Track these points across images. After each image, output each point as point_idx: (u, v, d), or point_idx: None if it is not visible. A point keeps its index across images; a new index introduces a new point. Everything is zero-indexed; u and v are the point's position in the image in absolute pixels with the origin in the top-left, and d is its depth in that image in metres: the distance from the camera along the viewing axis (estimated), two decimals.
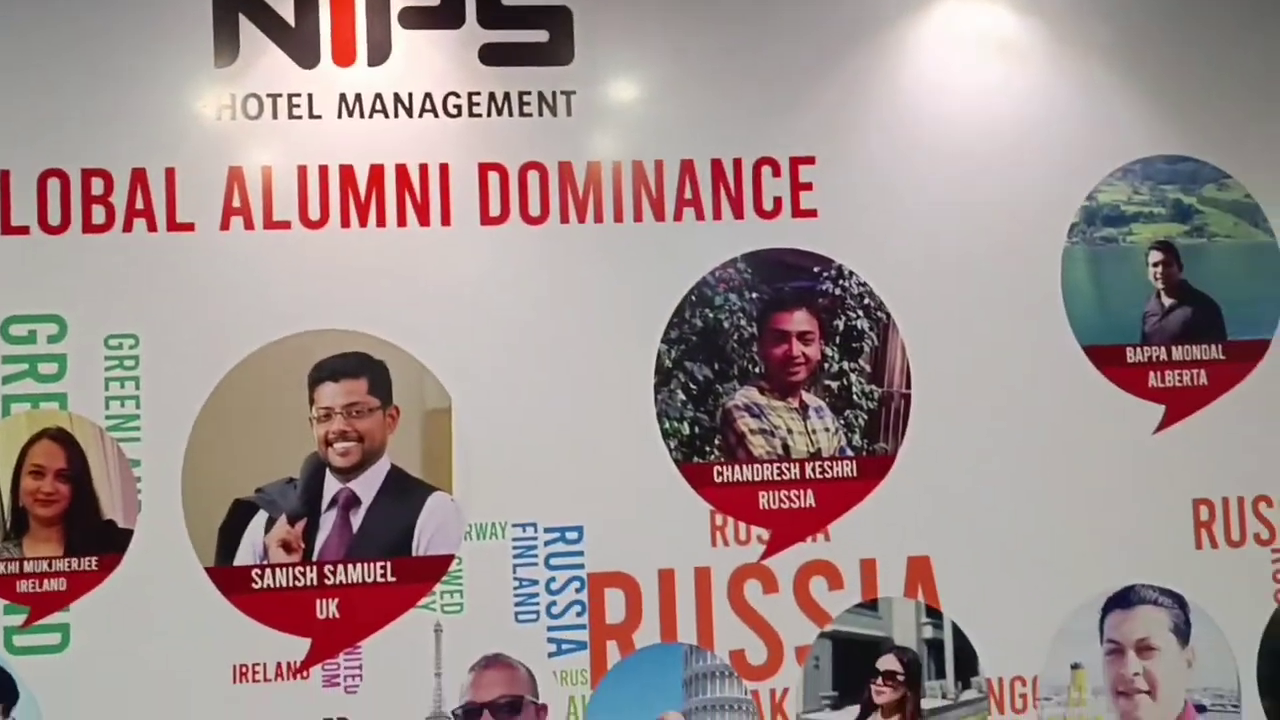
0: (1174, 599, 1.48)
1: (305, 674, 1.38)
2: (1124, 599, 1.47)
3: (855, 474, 1.46)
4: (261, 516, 1.39)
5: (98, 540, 1.37)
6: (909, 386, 1.47)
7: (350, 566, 1.40)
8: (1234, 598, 1.49)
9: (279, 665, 1.38)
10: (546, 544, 1.42)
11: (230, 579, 1.38)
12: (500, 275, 1.44)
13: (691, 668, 1.43)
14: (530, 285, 1.44)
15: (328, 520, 1.40)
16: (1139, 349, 1.50)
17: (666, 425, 1.44)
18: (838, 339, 1.47)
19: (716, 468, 1.45)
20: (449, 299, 1.43)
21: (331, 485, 1.40)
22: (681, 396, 1.45)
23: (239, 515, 1.39)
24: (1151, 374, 1.50)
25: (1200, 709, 1.47)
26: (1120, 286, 1.51)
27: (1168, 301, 1.51)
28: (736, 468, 1.45)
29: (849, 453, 1.46)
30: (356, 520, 1.41)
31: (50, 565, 1.36)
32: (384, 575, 1.40)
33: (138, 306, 1.39)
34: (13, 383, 1.37)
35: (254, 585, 1.38)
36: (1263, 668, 1.48)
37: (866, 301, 1.47)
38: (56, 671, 1.35)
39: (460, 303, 1.43)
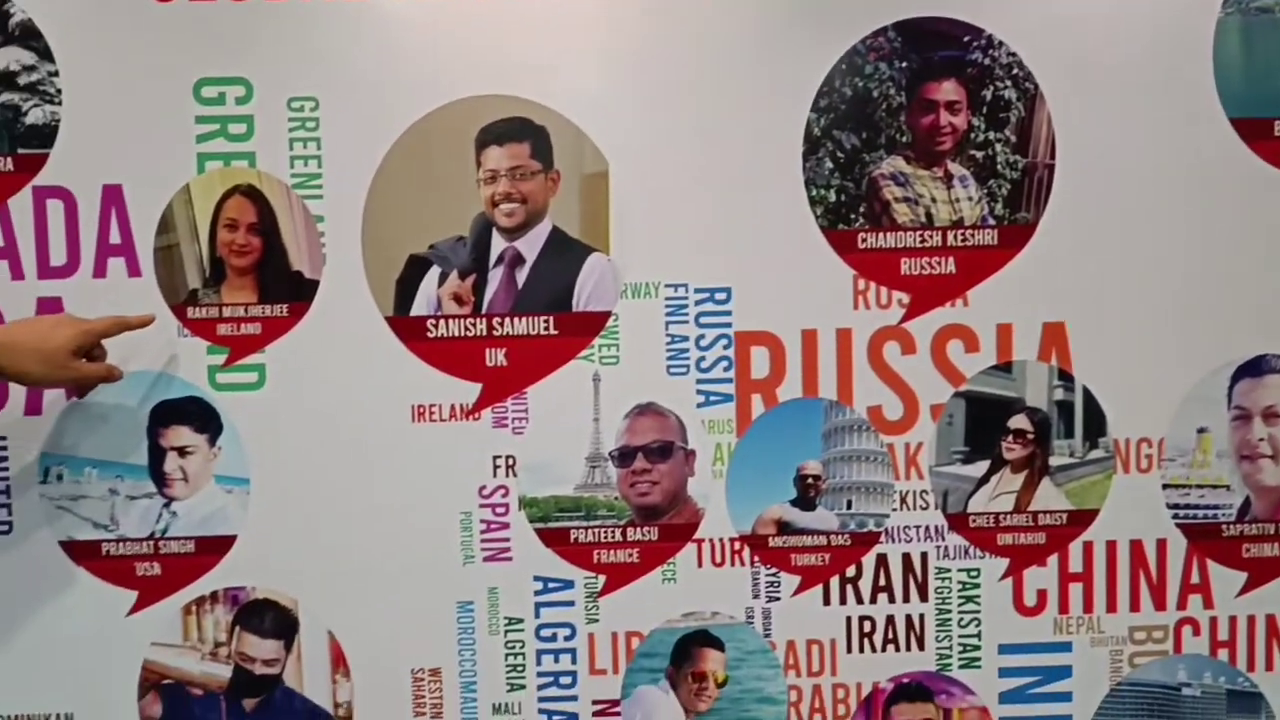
0: None
1: (476, 416, 1.51)
2: (1254, 368, 1.52)
3: (996, 242, 1.50)
4: (435, 271, 1.50)
5: (288, 289, 1.49)
6: (1053, 157, 1.50)
7: (516, 319, 1.50)
8: None
9: (452, 407, 1.51)
10: (697, 303, 1.51)
11: (407, 328, 1.50)
12: (655, 43, 1.48)
13: (831, 421, 1.52)
14: (685, 53, 1.48)
15: (495, 276, 1.50)
16: None
17: (814, 192, 1.50)
18: (984, 109, 1.49)
19: (860, 234, 1.50)
20: (607, 66, 1.49)
21: (498, 244, 1.50)
22: (829, 164, 1.49)
23: (414, 269, 1.49)
24: None
25: None
26: (1273, 60, 1.50)
27: None
28: (880, 234, 1.51)
29: (991, 221, 1.50)
30: (521, 277, 1.51)
31: (246, 311, 1.49)
32: (547, 328, 1.51)
33: (317, 70, 1.47)
34: (205, 141, 1.47)
35: (429, 334, 1.50)
36: None
37: (1015, 72, 1.49)
38: (254, 406, 1.50)
39: (618, 70, 1.48)
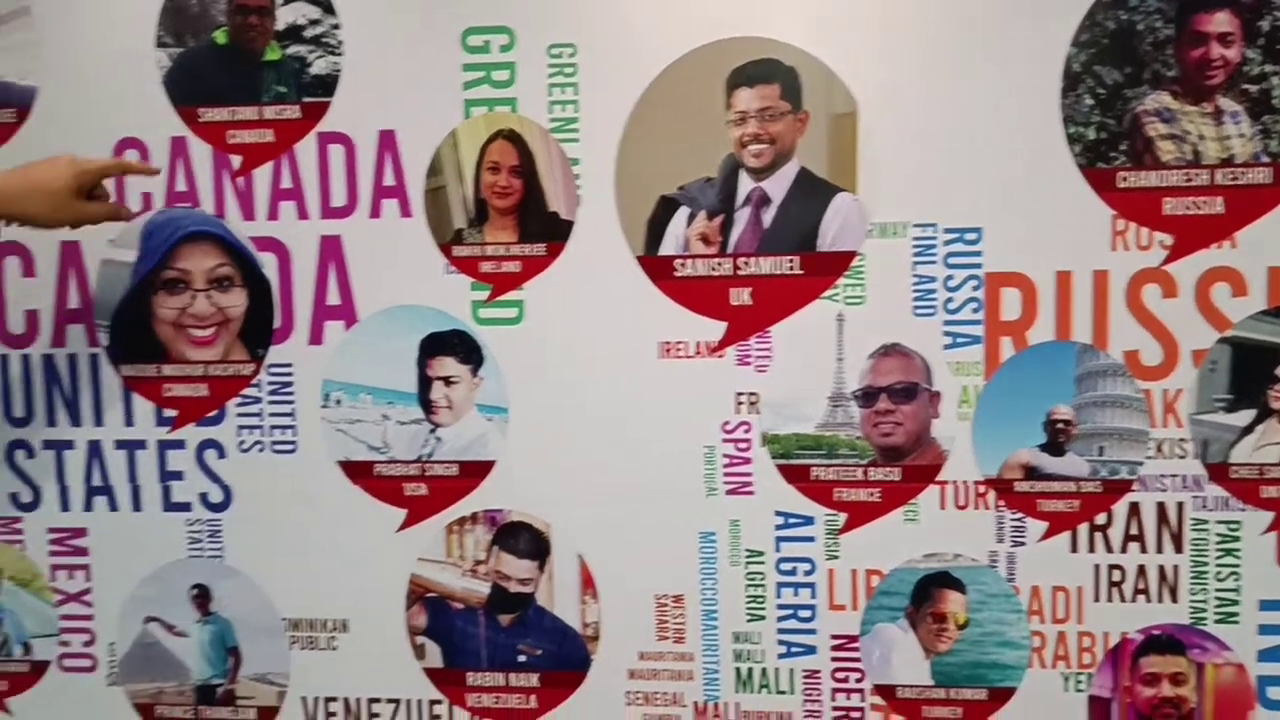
0: None
1: (721, 353, 1.55)
2: None
3: (1270, 180, 1.43)
4: (683, 212, 1.54)
5: (545, 229, 1.56)
6: None
7: (761, 259, 1.53)
8: None
9: (698, 344, 1.55)
10: (946, 243, 1.49)
11: (657, 266, 1.55)
12: None
13: (1084, 365, 1.48)
14: None
15: (742, 216, 1.53)
16: None
17: (1072, 130, 1.45)
18: (1261, 40, 1.41)
19: (1121, 173, 1.45)
20: (856, 4, 1.48)
21: (745, 184, 1.53)
22: (1089, 101, 1.45)
23: (664, 210, 1.54)
24: None
25: None
26: None
27: None
28: (1142, 173, 1.45)
29: (1264, 159, 1.43)
30: (767, 217, 1.53)
31: (507, 250, 1.58)
32: (792, 268, 1.53)
33: (576, 18, 1.52)
34: (471, 89, 1.56)
35: (676, 273, 1.55)
36: None
37: None
38: (513, 340, 1.58)
39: (867, 8, 1.48)
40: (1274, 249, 1.44)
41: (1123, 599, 1.51)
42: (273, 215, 1.61)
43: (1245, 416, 1.46)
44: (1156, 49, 1.44)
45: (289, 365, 1.63)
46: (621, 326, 1.56)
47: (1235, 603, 1.49)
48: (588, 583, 1.61)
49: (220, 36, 1.59)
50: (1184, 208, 1.45)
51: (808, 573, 1.57)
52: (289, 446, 1.64)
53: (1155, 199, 1.46)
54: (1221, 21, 1.42)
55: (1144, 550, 1.50)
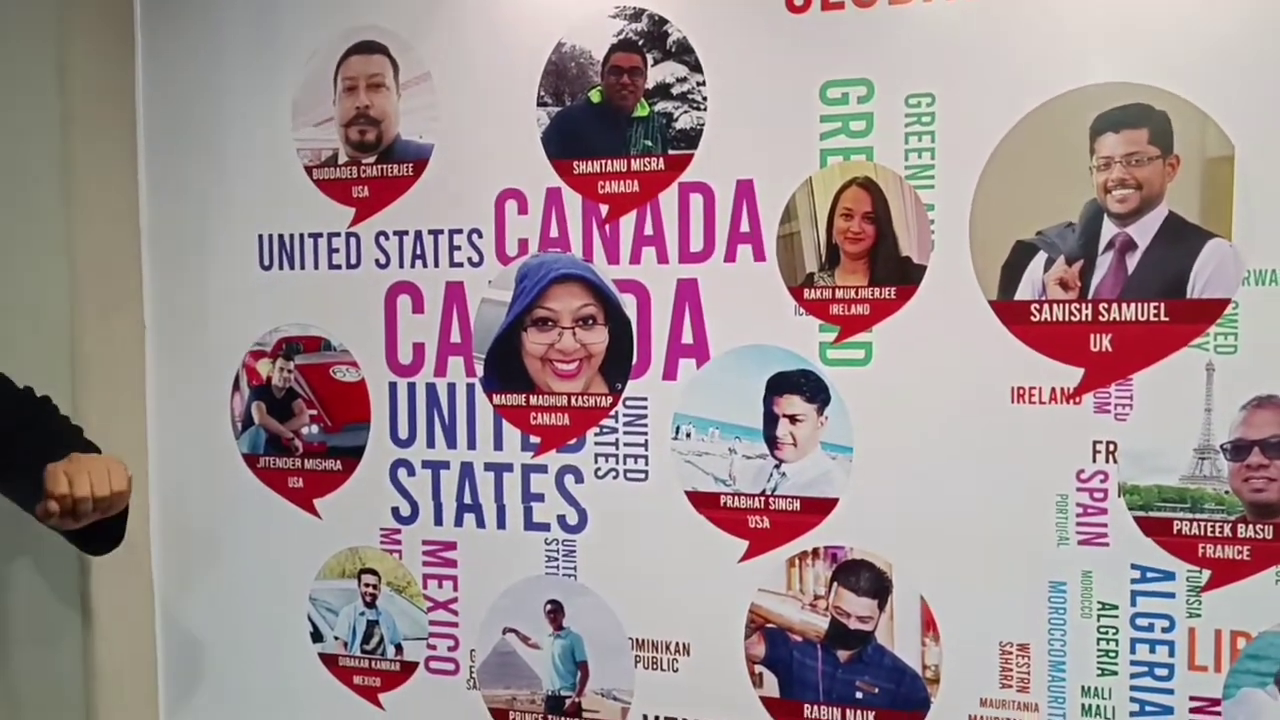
0: None
1: (1078, 400, 1.53)
2: None
3: None
4: (1041, 256, 1.53)
5: (896, 273, 1.60)
6: None
7: (1124, 305, 1.50)
8: None
9: (1053, 390, 1.54)
10: None
11: (1011, 311, 1.55)
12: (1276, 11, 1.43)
13: None
14: None
15: (1104, 262, 1.51)
16: None
17: None
18: None
19: None
20: (1231, 47, 1.44)
21: (1109, 229, 1.51)
22: None
23: (1020, 255, 1.54)
24: None
25: None
26: None
27: None
28: None
29: None
30: (1132, 263, 1.50)
31: (856, 293, 1.62)
32: (1157, 315, 1.49)
33: (934, 68, 1.56)
34: (828, 139, 1.62)
35: (1032, 318, 1.54)
36: None
37: None
38: (860, 381, 1.62)
39: (1242, 51, 1.43)
40: None
41: None
42: (635, 260, 1.72)
43: None
44: None
45: (644, 399, 1.74)
46: (972, 370, 1.57)
47: None
48: (929, 624, 1.61)
49: (595, 95, 1.73)
50: None
51: (1166, 629, 1.51)
52: (641, 475, 1.75)
53: None
54: None
55: None
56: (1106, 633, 1.54)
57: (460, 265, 1.82)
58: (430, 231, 1.83)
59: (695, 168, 1.68)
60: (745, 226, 1.67)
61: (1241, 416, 1.46)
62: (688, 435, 1.72)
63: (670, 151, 1.69)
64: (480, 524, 1.85)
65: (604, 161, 1.73)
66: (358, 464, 1.91)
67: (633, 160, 1.71)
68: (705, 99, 1.67)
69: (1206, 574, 1.49)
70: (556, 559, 1.80)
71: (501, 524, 1.83)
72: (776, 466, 1.68)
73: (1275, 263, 1.44)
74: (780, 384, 1.67)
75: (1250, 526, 1.47)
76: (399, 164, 1.85)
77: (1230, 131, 1.44)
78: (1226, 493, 1.47)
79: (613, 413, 1.75)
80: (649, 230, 1.72)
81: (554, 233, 1.76)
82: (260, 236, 1.94)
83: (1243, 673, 1.48)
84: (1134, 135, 1.48)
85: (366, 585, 1.93)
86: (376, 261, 1.87)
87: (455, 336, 1.83)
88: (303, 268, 1.92)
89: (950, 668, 1.61)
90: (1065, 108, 1.50)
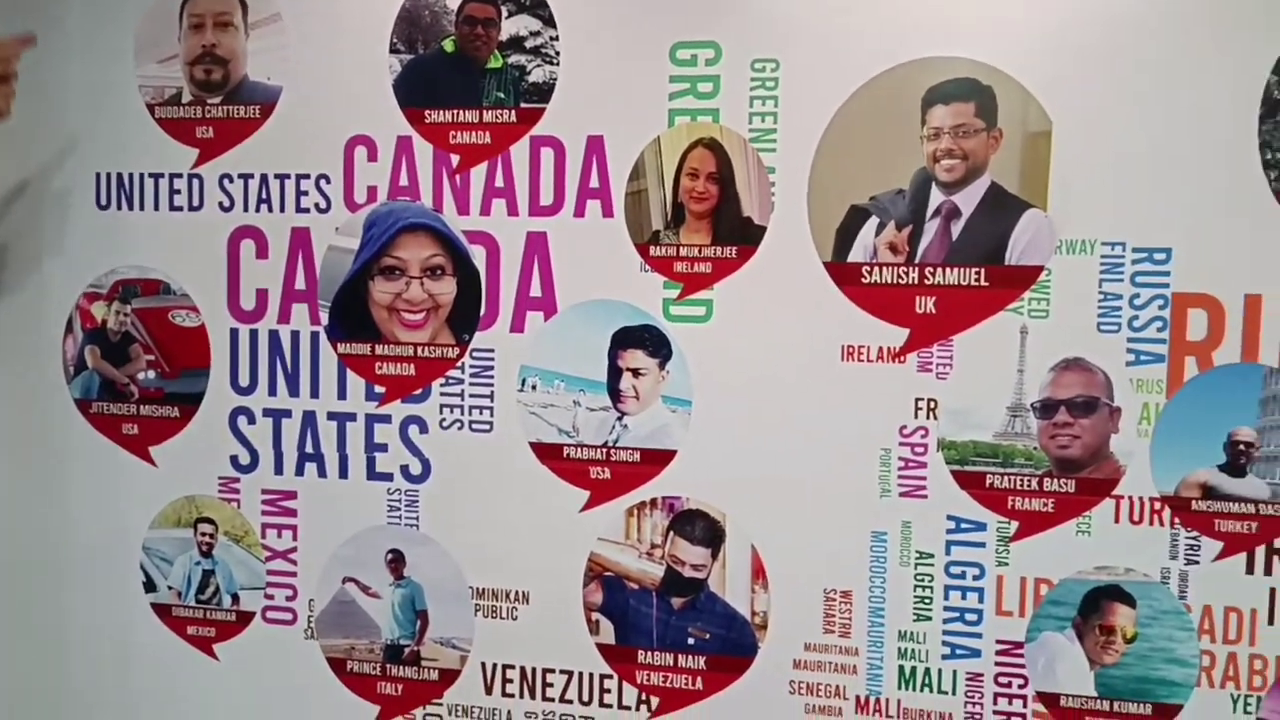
0: None
1: (903, 359, 1.61)
2: None
3: None
4: (873, 221, 1.60)
5: (738, 233, 1.65)
6: None
7: (948, 270, 1.59)
8: None
9: (880, 349, 1.61)
10: (1134, 262, 1.53)
11: (844, 273, 1.61)
12: (1104, 4, 1.51)
13: (1270, 388, 1.49)
14: (1135, 15, 1.50)
15: (930, 228, 1.59)
16: None
17: (1268, 156, 1.47)
18: None
19: None
20: (1055, 26, 1.52)
21: (936, 197, 1.58)
22: None
23: (854, 219, 1.61)
24: None
25: None
26: None
27: None
28: None
29: None
30: (956, 230, 1.58)
31: (700, 251, 1.67)
32: (978, 280, 1.58)
33: (780, 35, 1.61)
34: (677, 99, 1.65)
35: (863, 280, 1.61)
36: None
37: None
38: (701, 337, 1.67)
39: (1065, 30, 1.52)
40: None
41: None
42: (485, 211, 1.73)
43: None
44: None
45: (491, 351, 1.75)
46: (806, 329, 1.63)
47: None
48: (759, 572, 1.68)
49: (449, 45, 1.73)
50: None
51: (976, 577, 1.61)
52: (486, 426, 1.76)
53: None
54: None
55: None
56: (923, 580, 1.62)
57: (307, 211, 1.79)
58: (276, 176, 1.80)
59: (547, 122, 1.70)
60: (595, 182, 1.70)
61: (1050, 377, 1.56)
62: (533, 387, 1.74)
63: (522, 105, 1.71)
64: (322, 473, 1.83)
65: (456, 111, 1.73)
66: (196, 411, 1.87)
67: (485, 112, 1.72)
68: (558, 54, 1.69)
69: (1015, 525, 1.59)
70: (399, 509, 1.81)
71: (344, 474, 1.82)
72: (619, 419, 1.72)
73: (1086, 233, 1.54)
74: (625, 338, 1.71)
75: (1055, 481, 1.57)
76: (245, 105, 1.81)
77: (1049, 109, 1.53)
78: (1035, 449, 1.57)
79: (459, 364, 1.76)
80: (500, 182, 1.73)
81: (404, 181, 1.76)
82: (98, 175, 1.87)
83: (1044, 617, 1.59)
84: (962, 108, 1.56)
85: (203, 534, 1.90)
86: (220, 204, 1.83)
87: (300, 283, 1.81)
88: (142, 209, 1.86)
89: (778, 614, 1.67)
90: (900, 79, 1.57)
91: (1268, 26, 1.47)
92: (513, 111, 1.71)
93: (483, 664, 1.80)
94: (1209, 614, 1.54)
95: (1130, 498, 1.55)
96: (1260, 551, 1.51)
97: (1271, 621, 1.52)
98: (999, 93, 1.54)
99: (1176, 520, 1.53)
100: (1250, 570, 1.52)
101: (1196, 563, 1.53)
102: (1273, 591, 1.51)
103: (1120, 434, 1.54)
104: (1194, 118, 1.50)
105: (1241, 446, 1.51)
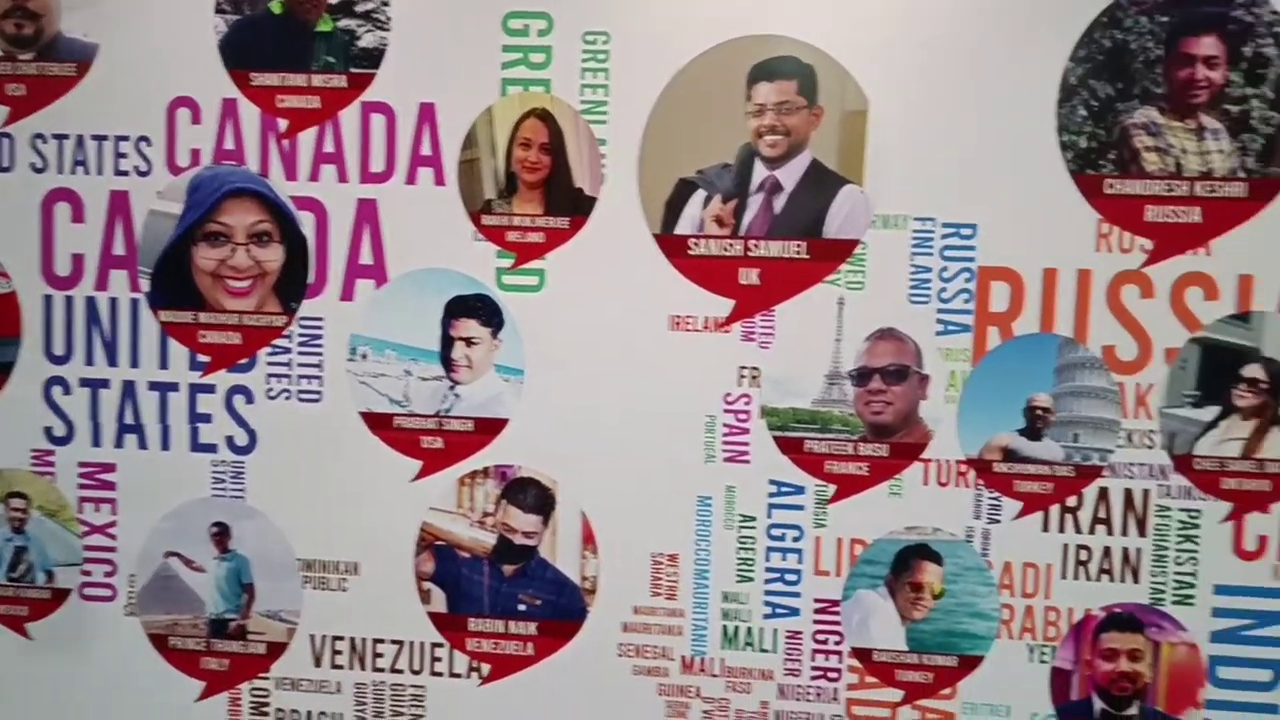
0: None
1: (728, 329, 1.66)
2: None
3: (1245, 194, 1.54)
4: (700, 194, 1.65)
5: (570, 204, 1.67)
6: None
7: (771, 242, 1.64)
8: None
9: (706, 319, 1.66)
10: (943, 237, 1.61)
11: (672, 245, 1.65)
12: None
13: (1064, 357, 1.60)
14: (945, 1, 1.58)
15: (755, 202, 1.64)
16: None
17: (1065, 138, 1.57)
18: (1244, 64, 1.53)
19: (1108, 180, 1.57)
20: (873, 10, 1.59)
21: (760, 172, 1.64)
22: (1082, 112, 1.56)
23: (682, 191, 1.65)
24: None
25: None
26: None
27: None
28: (1128, 181, 1.57)
29: (1241, 174, 1.54)
30: (779, 204, 1.64)
31: (533, 221, 1.68)
32: (799, 252, 1.64)
33: (611, 7, 1.63)
34: (509, 69, 1.66)
35: (690, 252, 1.65)
36: None
37: (1277, 29, 1.52)
38: (533, 306, 1.68)
39: (883, 14, 1.59)
40: (1246, 258, 1.55)
41: (1088, 577, 1.62)
42: (314, 177, 1.71)
43: (1210, 412, 1.58)
44: (1147, 67, 1.55)
45: (320, 319, 1.73)
46: (635, 299, 1.66)
47: (1192, 586, 1.60)
48: (589, 538, 1.71)
49: (276, 6, 1.69)
50: (1164, 215, 1.57)
51: (796, 539, 1.67)
52: (314, 396, 1.74)
53: (1138, 206, 1.57)
54: (1208, 45, 1.54)
55: (1110, 533, 1.61)
56: (746, 542, 1.68)
57: (126, 174, 1.73)
58: (94, 137, 1.74)
59: (378, 88, 1.68)
60: (427, 150, 1.69)
61: (866, 347, 1.63)
62: (364, 356, 1.73)
63: (353, 70, 1.69)
64: (142, 445, 1.78)
65: (284, 75, 1.70)
66: (6, 381, 1.79)
67: (314, 76, 1.69)
68: (389, 19, 1.67)
69: (832, 488, 1.66)
70: (224, 481, 1.77)
71: (165, 445, 1.77)
72: (451, 388, 1.72)
73: (899, 209, 1.61)
74: (457, 307, 1.71)
75: (870, 445, 1.65)
76: (60, 63, 1.73)
77: (866, 89, 1.60)
78: (851, 415, 1.64)
79: (286, 332, 1.73)
80: (329, 148, 1.70)
81: (229, 144, 1.71)
82: None
83: (859, 576, 1.66)
84: (785, 85, 1.61)
85: (14, 510, 1.82)
86: (32, 165, 1.75)
87: (119, 248, 1.75)
88: None
89: (606, 579, 1.71)
90: (726, 55, 1.62)
91: (1066, 17, 1.56)
92: (343, 76, 1.69)
93: (311, 636, 1.78)
94: (1009, 570, 1.63)
95: (938, 461, 1.63)
96: (1055, 510, 1.62)
97: (1065, 576, 1.63)
98: (819, 71, 1.60)
99: (980, 482, 1.63)
100: (1046, 528, 1.62)
101: (998, 522, 1.63)
102: (1066, 548, 1.62)
103: (929, 400, 1.63)
104: (999, 101, 1.58)
105: (1039, 412, 1.61)
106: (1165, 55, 1.54)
